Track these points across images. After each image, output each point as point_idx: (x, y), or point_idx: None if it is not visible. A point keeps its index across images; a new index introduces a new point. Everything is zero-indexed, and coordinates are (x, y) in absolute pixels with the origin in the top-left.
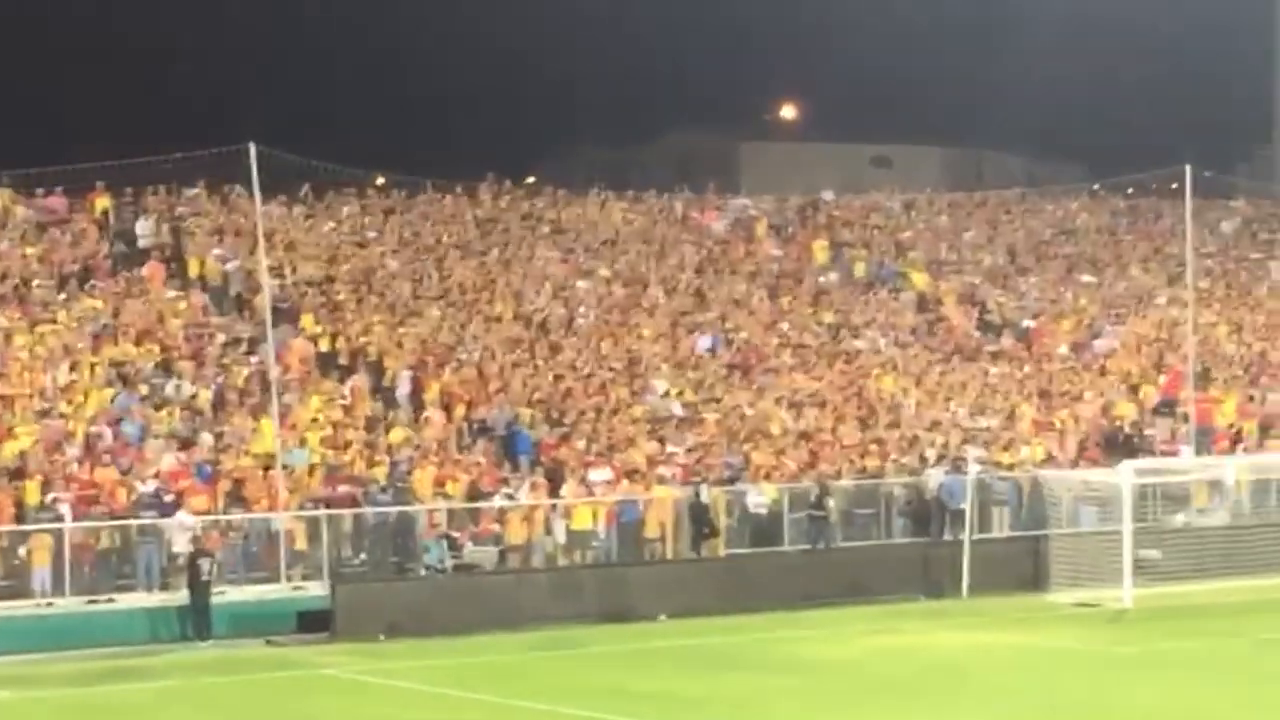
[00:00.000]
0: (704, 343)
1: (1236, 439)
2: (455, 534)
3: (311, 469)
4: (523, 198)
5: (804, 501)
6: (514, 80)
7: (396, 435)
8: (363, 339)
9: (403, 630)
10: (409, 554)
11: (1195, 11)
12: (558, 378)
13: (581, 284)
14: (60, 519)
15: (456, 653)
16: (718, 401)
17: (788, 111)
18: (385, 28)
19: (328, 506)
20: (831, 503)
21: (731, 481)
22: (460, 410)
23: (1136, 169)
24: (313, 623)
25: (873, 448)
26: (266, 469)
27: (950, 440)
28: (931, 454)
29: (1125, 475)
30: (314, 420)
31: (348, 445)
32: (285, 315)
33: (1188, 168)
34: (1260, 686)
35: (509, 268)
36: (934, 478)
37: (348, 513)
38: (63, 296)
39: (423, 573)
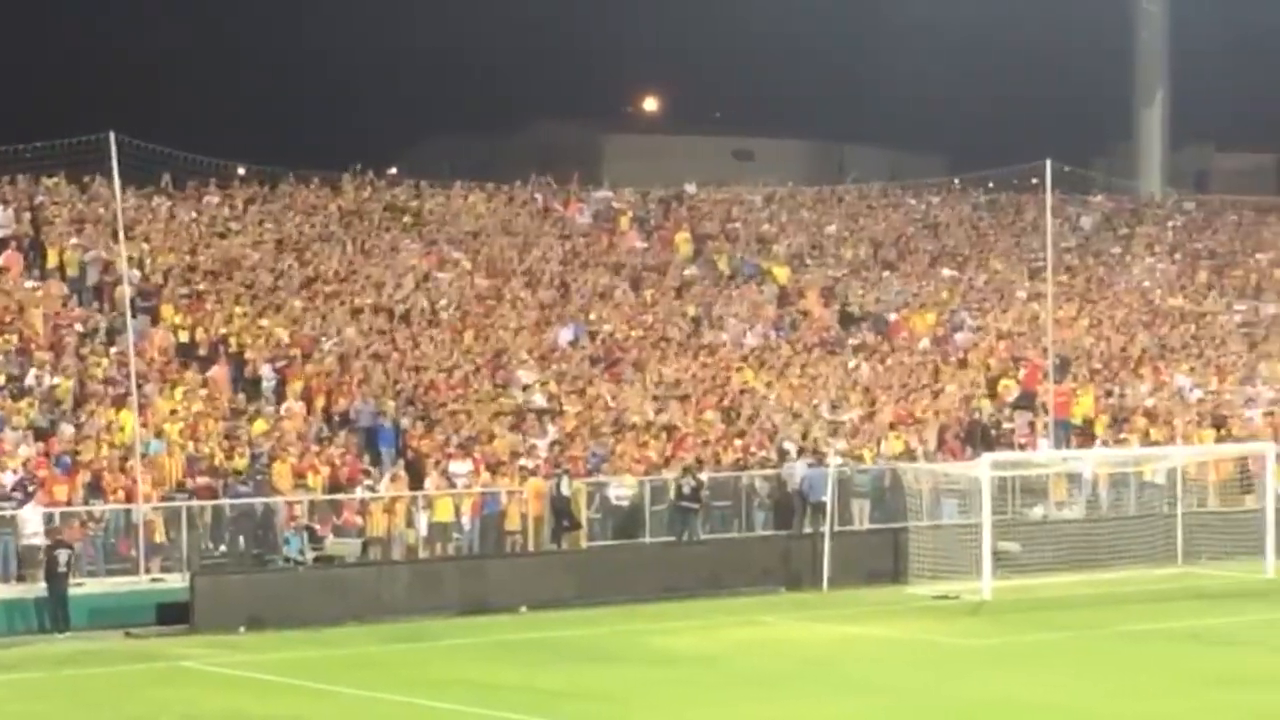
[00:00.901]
0: (567, 335)
1: (1094, 433)
2: (316, 526)
3: (172, 460)
4: (385, 189)
5: (665, 494)
6: (376, 71)
7: (257, 427)
8: (223, 330)
9: (263, 622)
10: (269, 546)
11: (1056, 7)
12: (420, 370)
13: (444, 276)
14: None
15: (316, 645)
16: (580, 394)
17: (650, 104)
18: (248, 18)
19: (189, 498)
20: (705, 494)
21: (593, 474)
22: (322, 402)
23: (997, 163)
24: (172, 615)
25: (735, 441)
26: (126, 460)
27: (811, 433)
28: (793, 447)
29: (984, 468)
30: (174, 412)
31: (208, 436)
32: (145, 306)
33: (1048, 162)
34: (1116, 678)
35: (371, 259)
36: (795, 470)
37: (208, 504)
38: None
39: (283, 565)
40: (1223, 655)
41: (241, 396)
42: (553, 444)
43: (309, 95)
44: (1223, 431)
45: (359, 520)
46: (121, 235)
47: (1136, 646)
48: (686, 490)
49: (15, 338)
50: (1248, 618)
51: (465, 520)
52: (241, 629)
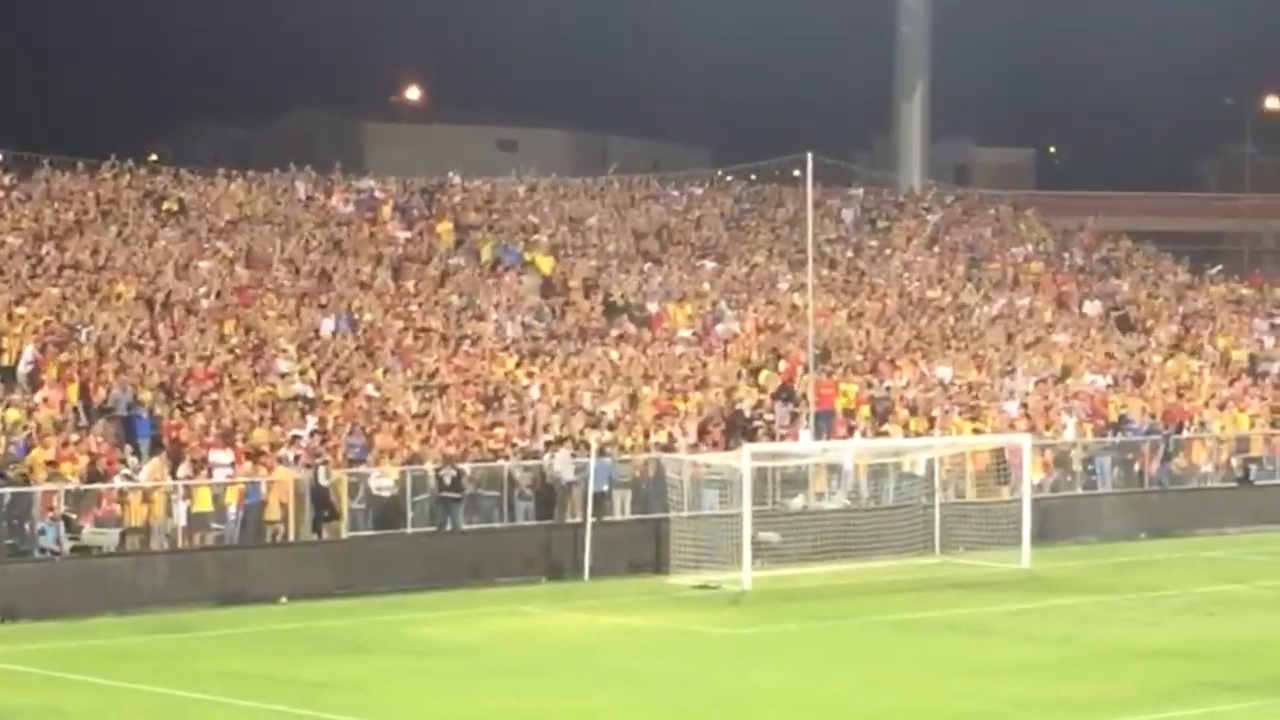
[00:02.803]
0: (328, 324)
1: (854, 424)
2: (73, 515)
3: None
4: (144, 177)
5: (429, 484)
6: (136, 58)
7: (12, 415)
8: None
9: (18, 613)
10: (25, 536)
11: (820, 2)
12: (179, 358)
13: (204, 264)
14: None
15: (73, 635)
16: (342, 383)
17: (412, 93)
18: (3, 3)
19: None
20: (466, 484)
21: (355, 464)
22: (79, 390)
23: (759, 156)
24: None
25: (497, 430)
26: None
27: (574, 423)
28: (554, 436)
29: (745, 459)
30: None
31: None
32: None
33: (809, 155)
34: (870, 668)
35: (130, 247)
36: (557, 460)
37: None
38: None
39: (39, 555)
40: (976, 644)
41: None
42: (313, 433)
43: (67, 81)
44: (980, 423)
45: (117, 510)
46: None
47: (893, 636)
48: (447, 480)
49: None
50: (1003, 607)
51: (225, 510)
52: None
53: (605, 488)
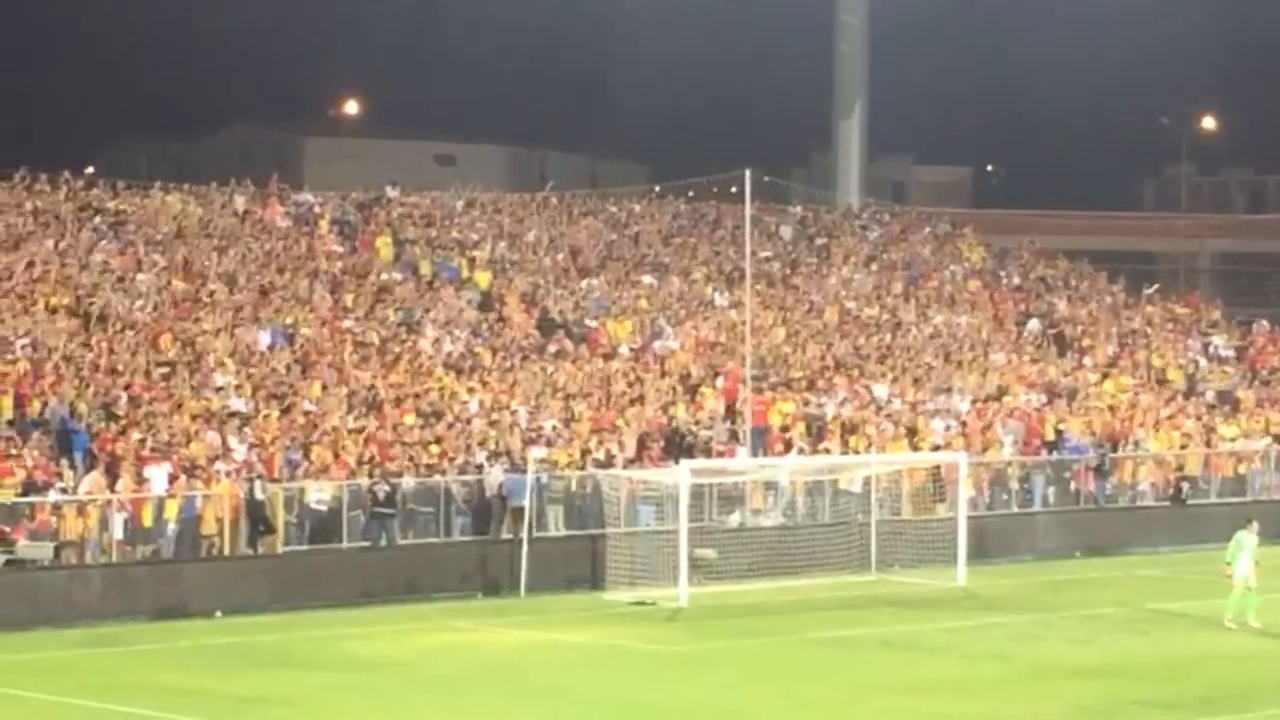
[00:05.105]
0: (265, 338)
1: (791, 441)
2: (7, 528)
3: None
4: (81, 189)
5: (364, 499)
6: (74, 70)
7: None
8: None
9: None
10: None
11: (757, 18)
12: (116, 372)
13: (141, 277)
14: None
15: (7, 650)
16: (278, 398)
17: (351, 107)
18: None
19: None
20: (400, 499)
21: (291, 479)
22: (14, 402)
23: (698, 172)
24: None
25: (433, 446)
26: None
27: (510, 439)
28: (491, 452)
29: (682, 475)
30: None
31: None
32: None
33: (747, 172)
34: (804, 685)
35: (66, 259)
36: (494, 476)
37: None
38: None
39: None
40: (910, 661)
41: None
42: (250, 447)
43: (4, 92)
44: (916, 440)
45: (52, 523)
46: None
47: (826, 653)
48: (381, 495)
49: None
50: (938, 625)
51: (163, 524)
52: None
53: (541, 503)
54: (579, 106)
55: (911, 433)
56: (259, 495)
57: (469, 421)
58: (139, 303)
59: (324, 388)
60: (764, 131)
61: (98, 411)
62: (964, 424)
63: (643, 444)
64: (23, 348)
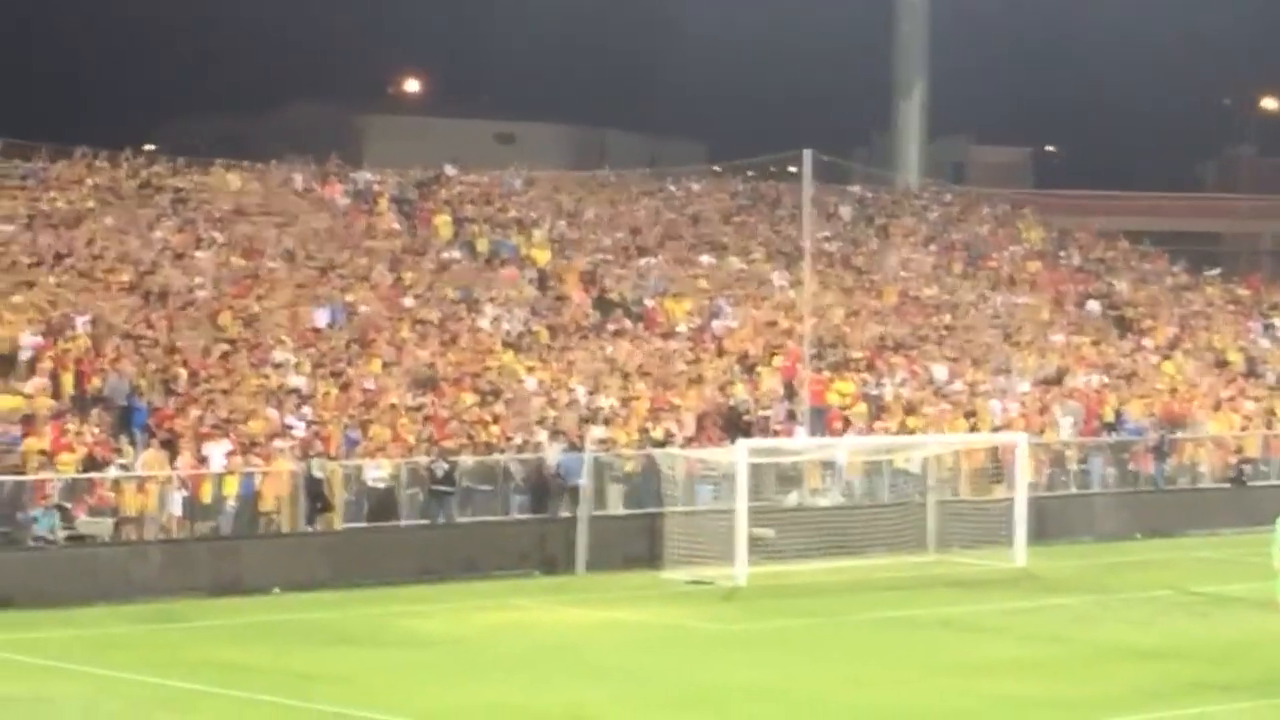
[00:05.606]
0: (324, 316)
1: (849, 421)
2: (68, 504)
3: None
4: (142, 166)
5: (423, 476)
6: (134, 47)
7: (8, 403)
8: None
9: (12, 602)
10: (19, 524)
11: None
12: (175, 349)
13: (201, 254)
14: None
15: (66, 625)
16: (337, 375)
17: (412, 85)
18: None
19: None
20: (459, 477)
21: (349, 456)
22: (74, 379)
23: (757, 152)
24: None
25: (491, 424)
26: None
27: (569, 417)
28: (550, 431)
29: (740, 454)
30: None
31: None
32: None
33: (807, 152)
34: (861, 665)
35: (126, 236)
36: (552, 454)
37: None
38: None
39: (33, 543)
40: (968, 642)
41: None
42: (308, 425)
43: (65, 70)
44: (974, 421)
45: (112, 499)
46: None
47: (884, 633)
48: (439, 473)
49: None
50: (996, 606)
51: (220, 501)
52: None
53: (599, 482)
54: (639, 85)
55: (970, 414)
56: (317, 473)
57: (527, 400)
58: (199, 280)
59: (383, 365)
60: (824, 111)
61: (157, 388)
62: (1023, 405)
63: (701, 423)
64: (83, 325)
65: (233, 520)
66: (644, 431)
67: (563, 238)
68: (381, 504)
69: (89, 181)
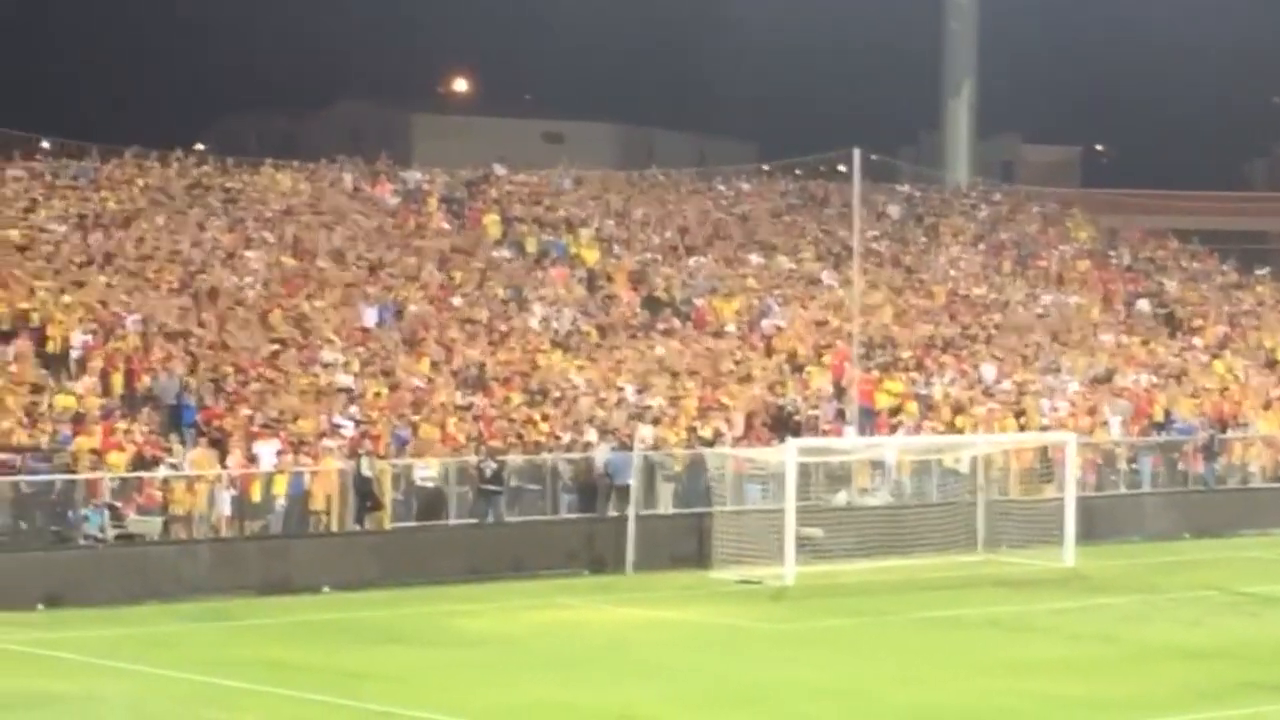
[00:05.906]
0: (373, 315)
1: (898, 420)
2: (118, 503)
3: None
4: (192, 165)
5: (471, 476)
6: (184, 46)
7: (60, 402)
8: (26, 305)
9: (62, 600)
10: (69, 523)
11: None
12: (225, 348)
13: (250, 254)
14: None
15: (116, 623)
16: (386, 374)
17: (460, 85)
18: None
19: None
20: (507, 476)
21: (398, 455)
22: (124, 379)
23: (806, 151)
24: None
25: (540, 423)
26: None
27: (617, 416)
28: (598, 430)
29: (789, 454)
30: None
31: (8, 412)
32: None
33: (855, 151)
34: (907, 664)
35: (177, 236)
36: (600, 453)
37: (5, 480)
38: None
39: (83, 542)
40: (1017, 642)
41: (43, 372)
42: (357, 424)
43: (116, 71)
44: (1024, 421)
45: (161, 498)
46: None
47: (933, 633)
48: (488, 473)
49: None
50: (1045, 605)
51: (269, 500)
52: (40, 606)
53: (648, 481)
54: (687, 85)
55: (1019, 413)
56: (366, 472)
57: (575, 399)
58: (248, 279)
59: (432, 364)
60: (872, 110)
61: (207, 387)
62: (1072, 404)
63: (750, 423)
64: (133, 324)
65: (282, 519)
66: (692, 431)
67: (611, 237)
68: (430, 503)
69: (139, 182)
